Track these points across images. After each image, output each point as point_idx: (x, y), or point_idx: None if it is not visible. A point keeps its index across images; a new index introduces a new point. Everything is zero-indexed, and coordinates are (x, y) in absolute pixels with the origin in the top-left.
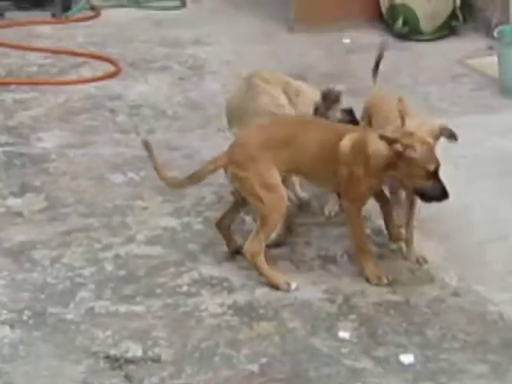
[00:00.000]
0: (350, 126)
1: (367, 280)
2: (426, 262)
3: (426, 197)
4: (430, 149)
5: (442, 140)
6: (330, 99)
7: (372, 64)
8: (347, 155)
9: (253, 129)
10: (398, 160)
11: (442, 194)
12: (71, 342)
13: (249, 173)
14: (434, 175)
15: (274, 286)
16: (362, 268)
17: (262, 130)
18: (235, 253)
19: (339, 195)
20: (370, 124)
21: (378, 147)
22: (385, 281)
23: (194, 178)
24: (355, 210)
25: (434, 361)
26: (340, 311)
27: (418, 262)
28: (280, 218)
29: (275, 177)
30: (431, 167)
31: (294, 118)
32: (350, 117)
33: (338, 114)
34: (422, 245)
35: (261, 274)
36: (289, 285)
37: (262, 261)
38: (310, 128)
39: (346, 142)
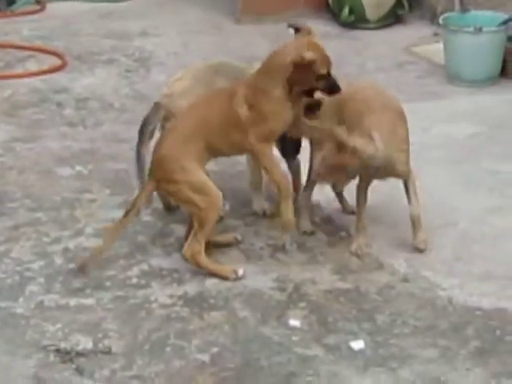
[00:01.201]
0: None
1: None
2: (362, 254)
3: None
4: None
5: None
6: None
7: None
8: (244, 107)
9: (163, 140)
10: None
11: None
12: (21, 337)
13: (177, 184)
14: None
15: (223, 278)
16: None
17: (172, 136)
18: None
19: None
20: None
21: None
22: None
23: (131, 215)
24: (267, 150)
25: (385, 346)
26: (290, 299)
27: (356, 252)
28: (216, 215)
29: (202, 177)
30: (324, 70)
31: (186, 109)
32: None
33: None
34: (370, 231)
35: (206, 271)
36: (236, 272)
37: (203, 259)
38: (203, 108)
39: (239, 99)
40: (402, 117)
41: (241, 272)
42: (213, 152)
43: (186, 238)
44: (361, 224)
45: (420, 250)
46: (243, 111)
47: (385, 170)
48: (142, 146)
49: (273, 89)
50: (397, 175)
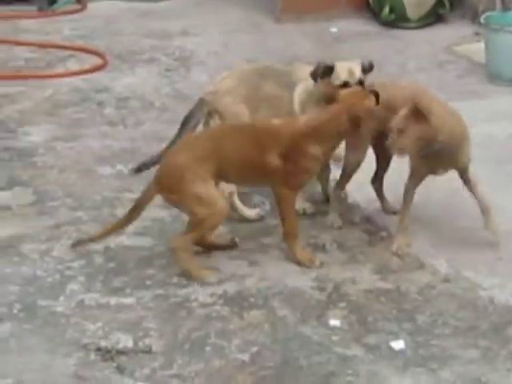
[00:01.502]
0: (265, 124)
1: (299, 263)
2: (402, 254)
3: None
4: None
5: None
6: (318, 74)
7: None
8: (277, 160)
9: (177, 149)
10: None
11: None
12: (62, 335)
13: (182, 195)
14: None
15: (196, 280)
16: (292, 253)
17: (187, 148)
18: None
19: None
20: None
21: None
22: (317, 263)
23: (132, 216)
24: (293, 197)
25: (425, 347)
26: (330, 299)
27: (396, 252)
28: (216, 224)
29: (209, 190)
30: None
31: (214, 130)
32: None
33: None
34: (411, 230)
35: (181, 267)
36: (208, 277)
37: (183, 255)
38: (229, 138)
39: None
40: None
41: (213, 278)
42: (225, 179)
43: None
44: (403, 224)
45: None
46: (274, 161)
47: (447, 159)
48: (179, 137)
49: (314, 148)
50: (458, 166)
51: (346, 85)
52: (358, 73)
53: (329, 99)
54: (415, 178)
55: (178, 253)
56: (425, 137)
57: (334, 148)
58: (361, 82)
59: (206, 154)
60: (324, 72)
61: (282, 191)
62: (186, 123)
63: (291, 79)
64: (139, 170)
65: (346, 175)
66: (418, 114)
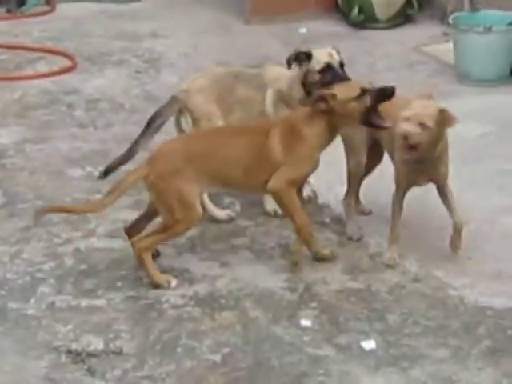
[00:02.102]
0: (270, 121)
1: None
2: (395, 265)
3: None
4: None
5: None
6: (292, 60)
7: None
8: (278, 147)
9: (177, 140)
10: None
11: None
12: (33, 338)
13: (169, 186)
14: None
15: (154, 285)
16: (308, 246)
17: (186, 142)
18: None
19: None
20: None
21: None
22: (331, 254)
23: (116, 193)
24: (293, 191)
25: (396, 346)
26: (301, 299)
27: (389, 263)
28: (184, 232)
29: (193, 193)
30: (357, 90)
31: (216, 129)
32: (331, 74)
33: (317, 77)
34: (381, 231)
35: (144, 270)
36: (169, 282)
37: (148, 257)
38: (232, 137)
39: (275, 139)
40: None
41: (173, 283)
42: (219, 182)
43: (136, 223)
44: (394, 234)
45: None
46: (278, 152)
47: (430, 170)
48: (142, 137)
49: (312, 134)
50: (439, 177)
51: (329, 67)
52: (337, 56)
53: (309, 86)
54: (400, 189)
55: (142, 254)
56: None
57: (330, 139)
58: (341, 64)
59: (202, 155)
60: (301, 58)
61: (283, 190)
62: (152, 121)
63: (262, 81)
64: (107, 173)
65: (352, 181)
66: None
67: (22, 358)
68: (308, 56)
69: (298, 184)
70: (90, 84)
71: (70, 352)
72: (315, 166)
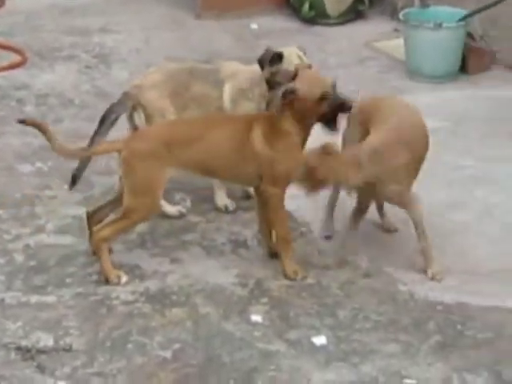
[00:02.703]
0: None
1: (285, 275)
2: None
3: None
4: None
5: None
6: (267, 62)
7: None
8: (262, 140)
9: (160, 125)
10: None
11: (346, 105)
12: None
13: (139, 166)
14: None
15: (105, 278)
16: (281, 261)
17: (169, 128)
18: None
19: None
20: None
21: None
22: (300, 276)
23: (87, 151)
24: (281, 195)
25: (346, 342)
26: (252, 295)
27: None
28: (142, 220)
29: (160, 183)
30: (317, 94)
31: (201, 117)
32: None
33: (283, 78)
34: (332, 227)
35: (99, 261)
36: (119, 278)
37: (105, 249)
38: (215, 127)
39: (258, 135)
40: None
41: (124, 279)
42: (200, 170)
43: (99, 208)
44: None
45: (438, 281)
46: (263, 148)
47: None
48: (97, 135)
49: (293, 129)
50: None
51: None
52: (304, 57)
53: (273, 84)
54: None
55: (100, 245)
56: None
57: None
58: (309, 66)
59: (183, 142)
60: (273, 59)
61: (271, 191)
62: (106, 117)
63: (219, 77)
64: (74, 182)
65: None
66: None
67: None
68: (280, 57)
69: (288, 184)
70: (40, 79)
71: (19, 349)
72: (300, 163)
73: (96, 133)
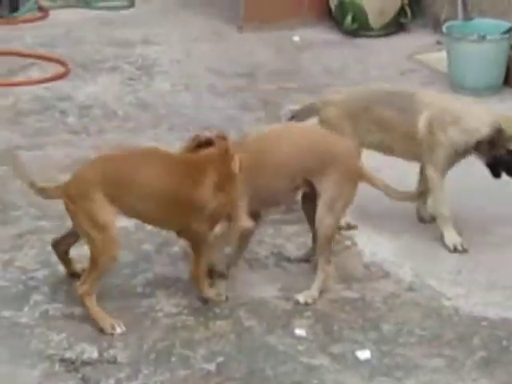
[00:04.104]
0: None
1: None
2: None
3: None
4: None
5: None
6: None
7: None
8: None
9: (92, 163)
10: None
11: None
12: (26, 346)
13: (80, 209)
14: None
15: (99, 329)
16: (199, 292)
17: (101, 165)
18: (73, 276)
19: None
20: None
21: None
22: (224, 297)
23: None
24: (208, 233)
25: (390, 356)
26: (295, 309)
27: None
28: (111, 261)
29: (109, 216)
30: None
31: (138, 152)
32: None
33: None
34: (376, 240)
35: (89, 314)
36: (114, 327)
37: (91, 302)
38: (151, 166)
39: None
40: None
41: (119, 330)
42: (130, 213)
43: (63, 238)
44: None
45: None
46: (207, 193)
47: None
48: None
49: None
50: None
51: None
52: None
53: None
54: None
55: (84, 299)
56: None
57: None
58: None
59: (117, 178)
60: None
61: (202, 228)
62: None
63: (413, 104)
64: None
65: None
66: None
67: (14, 367)
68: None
69: (216, 224)
70: (83, 91)
71: (63, 360)
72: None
73: None
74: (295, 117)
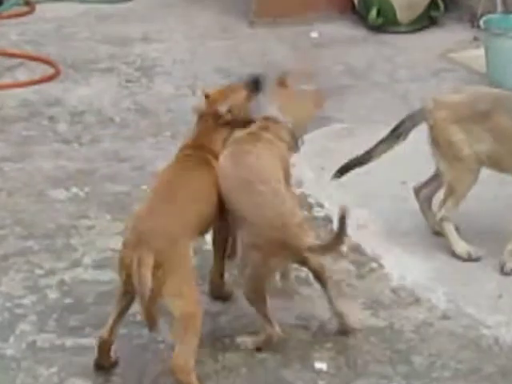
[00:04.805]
0: None
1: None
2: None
3: None
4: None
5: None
6: None
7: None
8: None
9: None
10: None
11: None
12: (12, 381)
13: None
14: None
15: None
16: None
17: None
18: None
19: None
20: None
21: None
22: None
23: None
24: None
25: None
26: (315, 339)
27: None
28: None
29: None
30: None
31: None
32: None
33: None
34: (405, 262)
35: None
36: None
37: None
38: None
39: None
40: None
41: None
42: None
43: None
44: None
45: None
46: None
47: None
48: (383, 142)
49: None
50: None
51: None
52: None
53: None
54: None
55: (188, 377)
56: None
57: None
58: None
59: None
60: None
61: None
62: (397, 128)
63: None
64: (342, 172)
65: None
66: None
67: None
68: None
69: None
70: (75, 94)
71: None
72: None
73: (382, 140)
74: (405, 123)
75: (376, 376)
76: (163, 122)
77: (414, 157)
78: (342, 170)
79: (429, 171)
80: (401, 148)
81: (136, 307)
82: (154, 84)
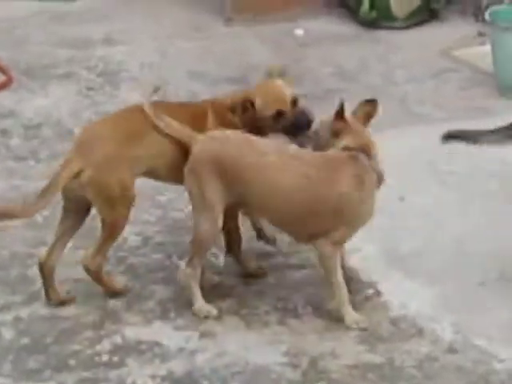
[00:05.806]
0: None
1: None
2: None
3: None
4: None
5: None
6: None
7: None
8: None
9: (105, 120)
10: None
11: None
12: None
13: (111, 177)
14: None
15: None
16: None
17: (117, 122)
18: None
19: None
20: None
21: None
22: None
23: (49, 194)
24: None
25: None
26: (305, 378)
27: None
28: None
29: (131, 181)
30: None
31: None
32: None
33: None
34: (406, 288)
35: (102, 287)
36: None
37: (103, 275)
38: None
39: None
40: None
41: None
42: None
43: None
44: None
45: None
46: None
47: None
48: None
49: None
50: None
51: None
52: None
53: None
54: None
55: (101, 274)
56: None
57: None
58: None
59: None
60: None
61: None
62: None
63: None
64: (449, 137)
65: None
66: None
67: None
68: None
69: None
70: (30, 105)
71: None
72: None
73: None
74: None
75: None
76: None
77: (412, 170)
78: (451, 136)
79: (428, 185)
80: (397, 160)
81: (103, 346)
82: (119, 91)
